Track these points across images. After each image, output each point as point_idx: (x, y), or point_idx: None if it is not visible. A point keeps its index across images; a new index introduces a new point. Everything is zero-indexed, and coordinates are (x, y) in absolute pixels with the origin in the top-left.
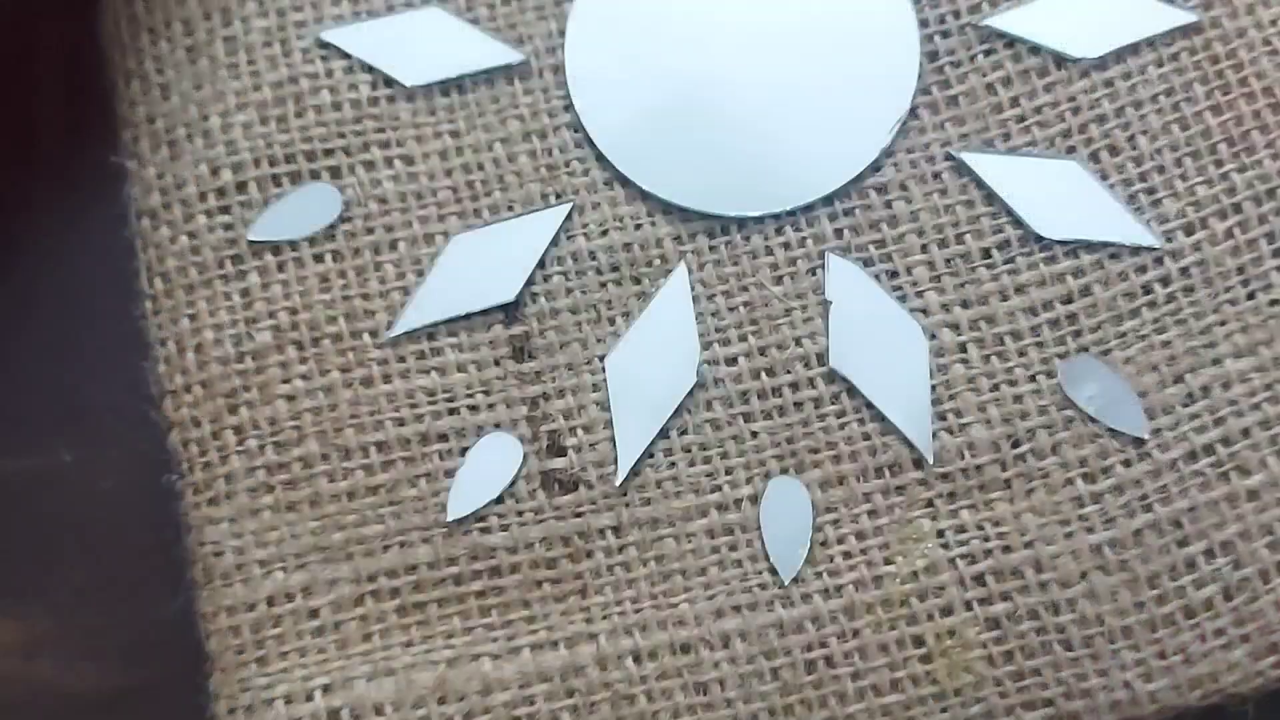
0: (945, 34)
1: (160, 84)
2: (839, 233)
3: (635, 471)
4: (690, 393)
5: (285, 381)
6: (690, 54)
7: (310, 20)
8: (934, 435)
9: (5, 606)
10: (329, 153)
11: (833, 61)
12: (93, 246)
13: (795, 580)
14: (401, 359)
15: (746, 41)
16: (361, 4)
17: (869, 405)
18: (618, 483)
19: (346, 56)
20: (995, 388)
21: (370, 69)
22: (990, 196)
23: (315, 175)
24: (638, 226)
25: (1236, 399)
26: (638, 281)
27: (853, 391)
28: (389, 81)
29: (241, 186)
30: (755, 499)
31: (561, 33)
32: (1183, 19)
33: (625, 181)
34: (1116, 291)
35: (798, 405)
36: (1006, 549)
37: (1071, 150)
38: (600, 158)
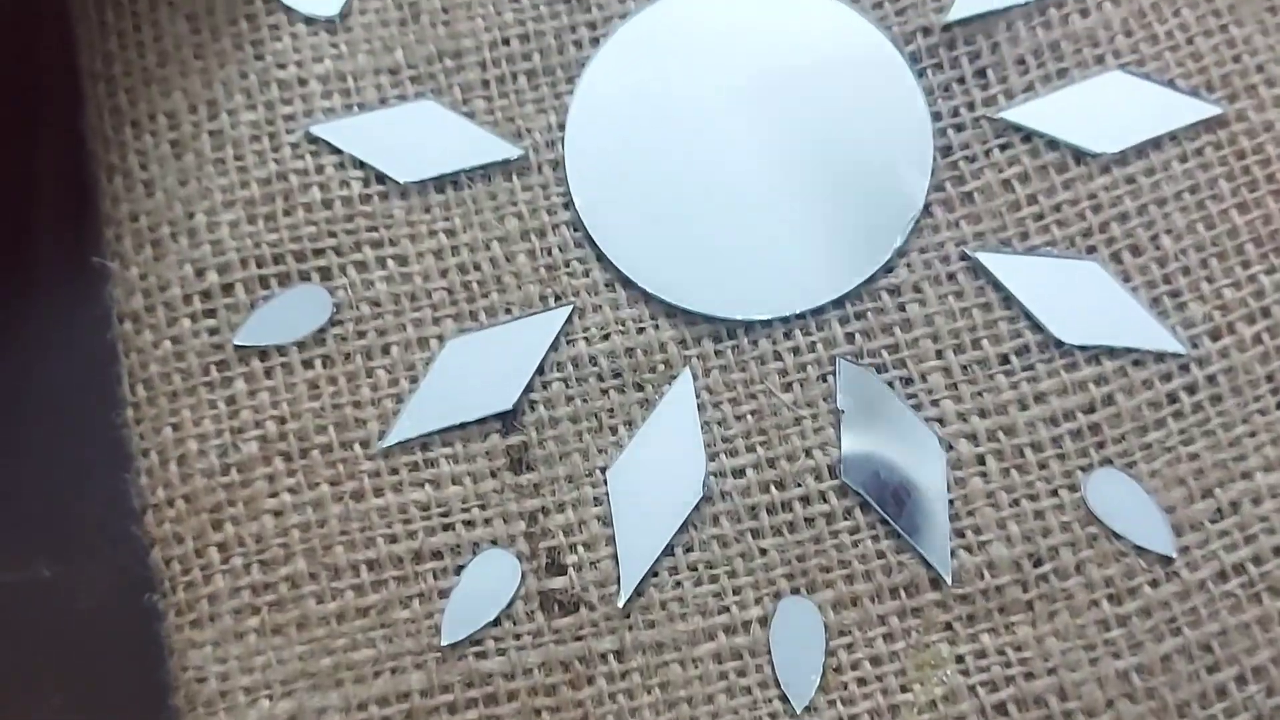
0: (959, 127)
1: (144, 180)
2: (850, 337)
3: (638, 592)
4: (696, 507)
5: (272, 495)
6: (696, 150)
7: (300, 113)
8: (952, 553)
9: None
10: (319, 253)
11: (843, 157)
12: (76, 349)
13: (808, 709)
14: (394, 471)
15: (755, 138)
16: (353, 96)
17: (883, 521)
18: (620, 604)
19: (337, 152)
20: (1015, 503)
21: (362, 165)
22: (1008, 299)
23: (304, 276)
24: (640, 330)
25: (1268, 515)
26: (641, 388)
27: (866, 506)
28: (381, 178)
29: (228, 289)
30: (765, 621)
31: (561, 126)
32: (1207, 112)
33: (628, 283)
34: (1141, 400)
35: (809, 521)
36: (1029, 675)
37: (1092, 250)
38: (601, 257)
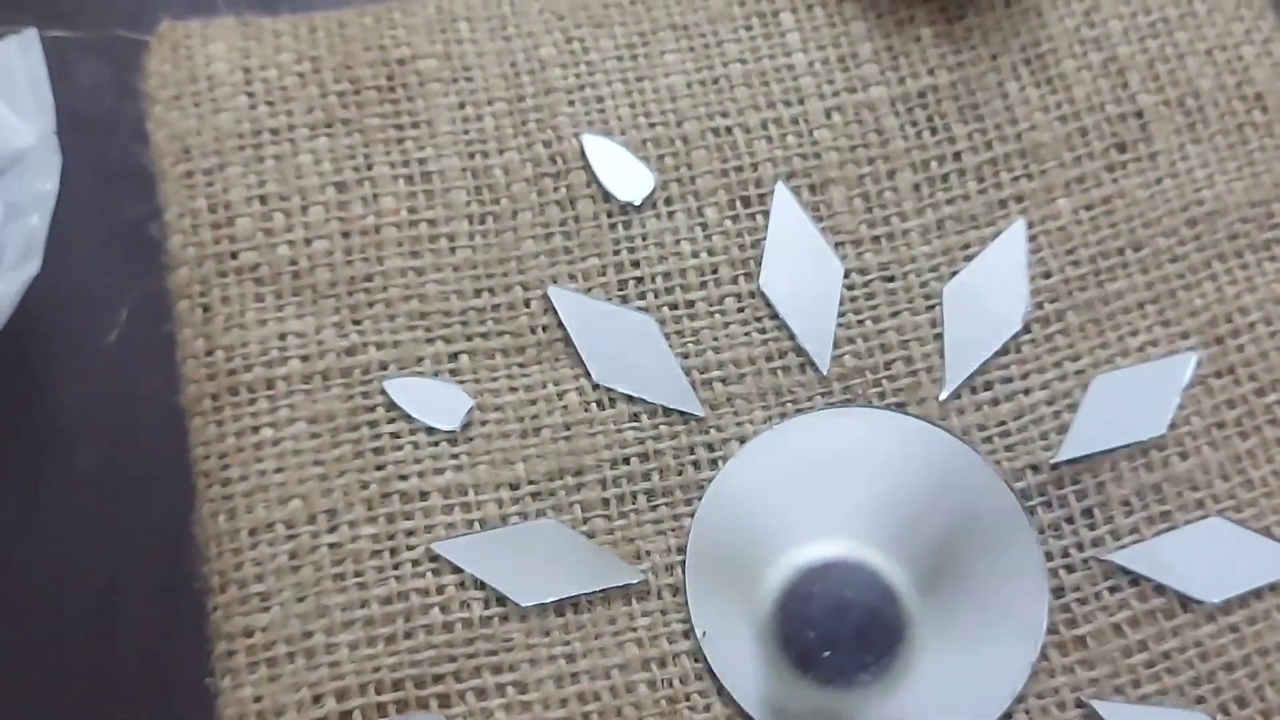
0: (1070, 568)
1: (259, 592)
2: None
3: None
4: None
5: None
6: (814, 578)
7: (421, 529)
8: None
9: None
10: (438, 678)
11: (961, 595)
12: None
13: None
14: None
15: (873, 569)
16: (474, 511)
17: None
18: None
19: (458, 570)
20: None
21: (483, 585)
22: None
23: (423, 704)
24: None
25: None
26: None
27: None
28: (501, 599)
29: (345, 716)
30: None
31: (681, 549)
32: None
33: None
34: None
35: None
36: None
37: (1201, 700)
38: (722, 690)
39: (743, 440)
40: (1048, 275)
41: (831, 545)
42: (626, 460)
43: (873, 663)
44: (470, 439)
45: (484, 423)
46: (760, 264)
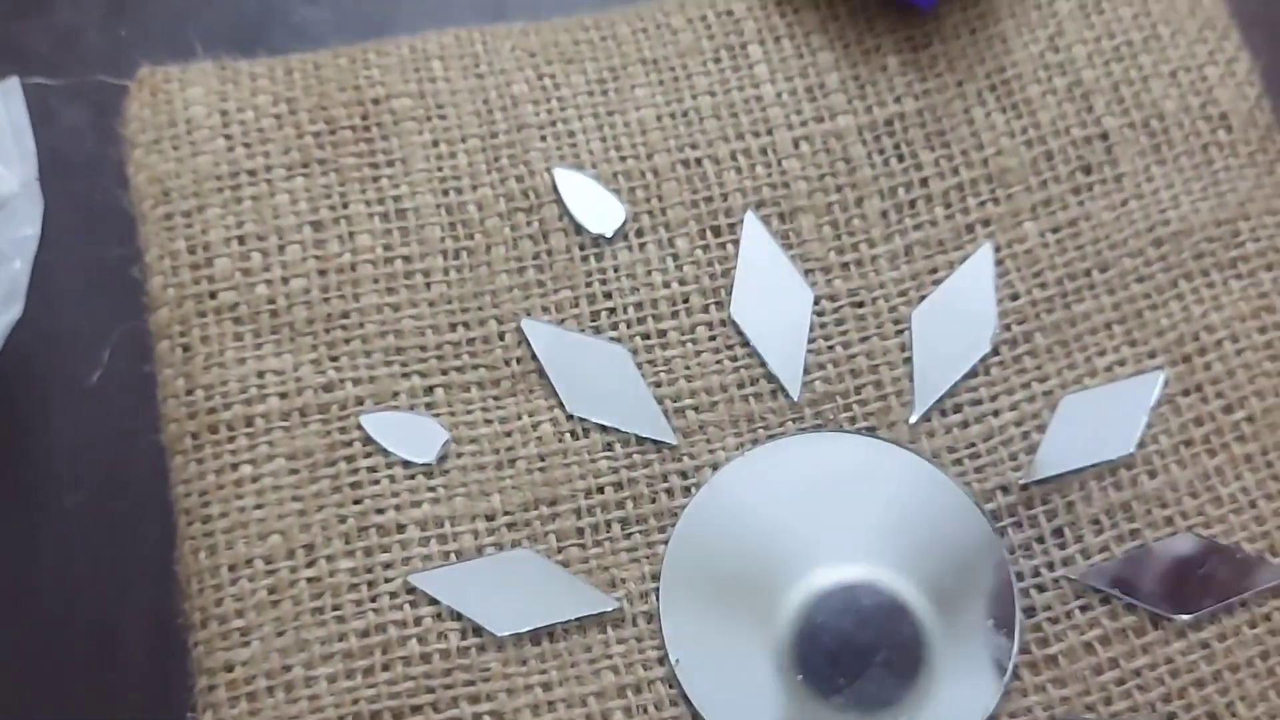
0: (1041, 588)
1: (239, 628)
2: None
3: None
4: None
5: None
6: (788, 603)
7: (398, 561)
8: None
9: None
10: (416, 710)
11: (932, 616)
12: None
13: None
14: None
15: (844, 594)
16: (450, 543)
17: None
18: None
19: (435, 602)
20: None
21: (459, 616)
22: None
23: None
24: None
25: None
26: None
27: None
28: (478, 630)
29: None
30: None
31: (655, 576)
32: (1273, 578)
33: None
34: None
35: None
36: None
37: (1172, 717)
38: (697, 716)
39: (715, 467)
40: (1015, 298)
41: (803, 570)
42: (600, 489)
43: (845, 685)
44: (446, 471)
45: (459, 455)
46: (731, 293)
